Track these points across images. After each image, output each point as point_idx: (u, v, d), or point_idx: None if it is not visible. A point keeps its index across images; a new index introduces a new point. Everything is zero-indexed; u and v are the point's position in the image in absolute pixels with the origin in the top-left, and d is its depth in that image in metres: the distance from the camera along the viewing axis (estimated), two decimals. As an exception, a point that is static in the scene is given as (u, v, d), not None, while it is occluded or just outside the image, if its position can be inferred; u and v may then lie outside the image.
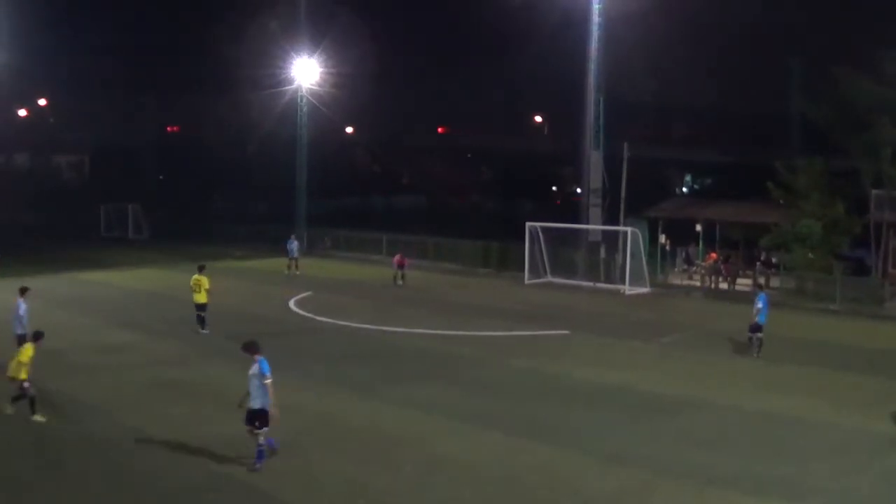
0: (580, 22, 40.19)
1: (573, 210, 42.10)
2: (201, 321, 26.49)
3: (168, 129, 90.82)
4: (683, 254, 41.52)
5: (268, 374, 14.54)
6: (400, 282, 38.70)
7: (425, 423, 17.55)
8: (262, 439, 14.62)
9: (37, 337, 17.91)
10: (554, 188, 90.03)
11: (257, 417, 14.55)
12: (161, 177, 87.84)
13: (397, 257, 39.91)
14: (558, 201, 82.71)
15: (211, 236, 57.98)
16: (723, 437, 16.76)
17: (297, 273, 42.49)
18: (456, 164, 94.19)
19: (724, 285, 37.41)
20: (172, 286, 37.01)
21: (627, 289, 36.76)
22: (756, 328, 23.81)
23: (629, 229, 37.79)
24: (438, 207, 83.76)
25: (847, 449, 16.11)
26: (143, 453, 15.53)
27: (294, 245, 43.61)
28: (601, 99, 39.89)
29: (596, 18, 39.26)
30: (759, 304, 23.81)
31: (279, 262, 44.36)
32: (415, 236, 44.81)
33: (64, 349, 23.75)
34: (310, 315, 30.71)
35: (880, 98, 34.68)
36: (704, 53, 59.60)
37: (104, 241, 63.10)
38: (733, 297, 35.72)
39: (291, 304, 33.11)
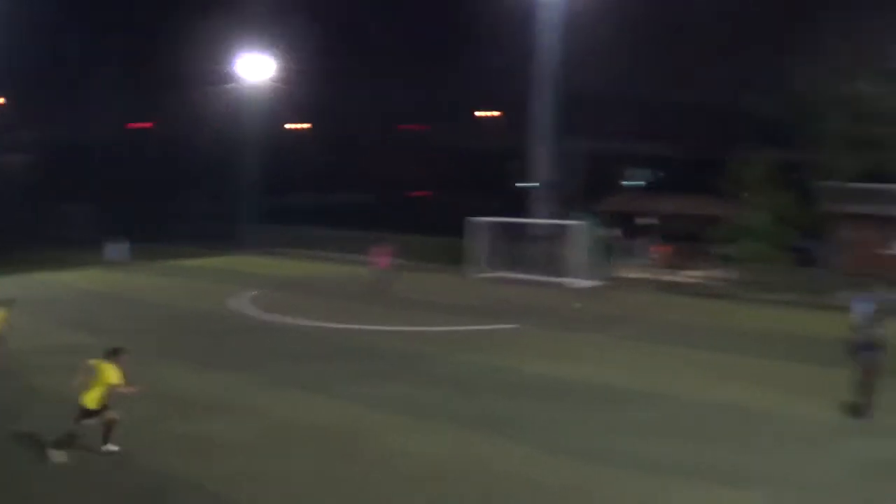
0: (531, 17, 40.20)
1: (522, 204, 42.04)
2: None
3: (126, 126, 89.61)
4: (633, 247, 41.66)
5: None
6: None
7: (380, 420, 17.16)
8: None
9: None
10: (505, 182, 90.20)
11: None
12: (114, 177, 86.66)
13: (382, 257, 36.00)
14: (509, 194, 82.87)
15: (158, 235, 57.09)
16: (675, 428, 16.68)
17: None
18: (408, 160, 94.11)
19: (673, 278, 37.56)
20: (124, 287, 36.40)
21: (577, 282, 36.75)
22: None
23: (578, 223, 37.81)
24: (389, 203, 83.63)
25: (797, 437, 16.12)
26: (93, 454, 15.04)
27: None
28: (551, 93, 39.86)
29: (545, 13, 39.25)
30: None
31: (225, 261, 43.72)
32: (365, 232, 44.40)
33: (25, 350, 22.97)
34: (262, 314, 30.15)
35: (830, 90, 35.00)
36: (653, 46, 60.00)
37: (55, 241, 61.92)
38: (683, 289, 35.97)
39: (242, 302, 32.61)
